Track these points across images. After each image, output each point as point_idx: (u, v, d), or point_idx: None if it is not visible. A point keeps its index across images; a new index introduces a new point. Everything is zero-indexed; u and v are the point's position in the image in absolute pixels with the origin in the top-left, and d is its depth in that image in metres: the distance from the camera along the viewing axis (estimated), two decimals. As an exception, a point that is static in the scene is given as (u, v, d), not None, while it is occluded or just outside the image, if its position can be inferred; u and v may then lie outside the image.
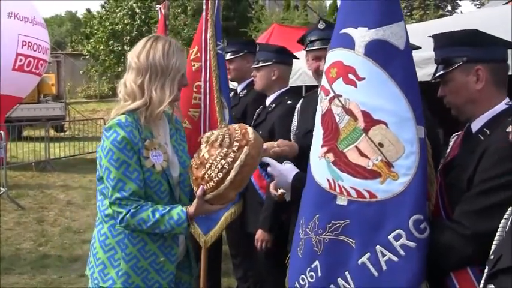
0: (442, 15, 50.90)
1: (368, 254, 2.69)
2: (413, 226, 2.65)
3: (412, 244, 2.64)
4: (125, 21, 34.41)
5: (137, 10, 34.28)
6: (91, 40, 36.30)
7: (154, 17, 31.23)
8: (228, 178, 3.07)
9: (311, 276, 2.88)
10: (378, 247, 2.67)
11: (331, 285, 2.79)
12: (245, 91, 5.84)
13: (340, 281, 2.76)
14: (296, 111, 4.75)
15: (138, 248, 3.32)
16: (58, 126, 22.66)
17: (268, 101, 5.27)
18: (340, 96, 2.81)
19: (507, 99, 2.83)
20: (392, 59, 2.72)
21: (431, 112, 3.62)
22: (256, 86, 5.28)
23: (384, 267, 2.66)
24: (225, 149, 3.11)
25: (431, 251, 2.68)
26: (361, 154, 2.72)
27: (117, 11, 35.13)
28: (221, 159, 3.10)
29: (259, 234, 4.89)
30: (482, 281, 2.15)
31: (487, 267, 2.17)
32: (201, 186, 3.16)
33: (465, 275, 2.64)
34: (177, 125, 3.66)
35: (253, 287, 5.82)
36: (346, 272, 2.74)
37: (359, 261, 2.71)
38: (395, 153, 2.69)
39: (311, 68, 4.48)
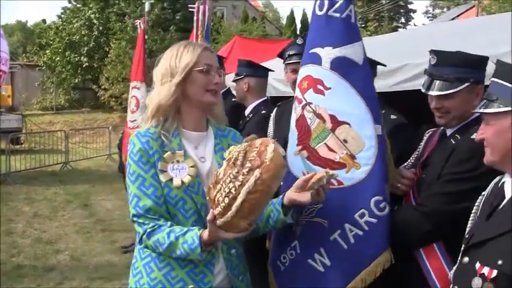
0: (396, 27, 51.97)
1: (339, 231, 3.22)
2: (374, 205, 3.20)
3: (373, 220, 3.19)
4: (82, 32, 34.16)
5: (95, 21, 34.05)
6: (47, 51, 35.93)
7: (113, 28, 31.14)
8: (234, 205, 2.66)
9: (291, 254, 3.40)
10: (346, 225, 3.21)
11: (309, 260, 3.29)
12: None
13: (316, 256, 3.28)
14: (271, 119, 5.12)
15: (163, 273, 3.03)
16: (14, 138, 22.50)
17: (246, 111, 5.67)
18: (311, 103, 3.38)
19: None
20: (353, 71, 3.27)
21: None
22: (237, 98, 5.61)
23: (352, 241, 3.20)
24: (236, 170, 2.70)
25: (397, 228, 3.22)
26: (330, 149, 3.27)
27: (74, 21, 34.86)
28: (230, 181, 2.69)
29: None
30: (460, 255, 2.61)
31: (463, 244, 2.63)
32: (211, 209, 2.80)
33: (432, 251, 3.21)
34: (232, 141, 3.30)
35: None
36: (321, 248, 3.27)
37: (331, 238, 3.24)
38: (358, 147, 3.25)
39: (289, 79, 4.91)
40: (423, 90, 3.37)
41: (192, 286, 3.02)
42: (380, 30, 43.69)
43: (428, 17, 65.76)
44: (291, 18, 37.61)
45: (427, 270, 3.21)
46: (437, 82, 3.29)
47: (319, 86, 3.34)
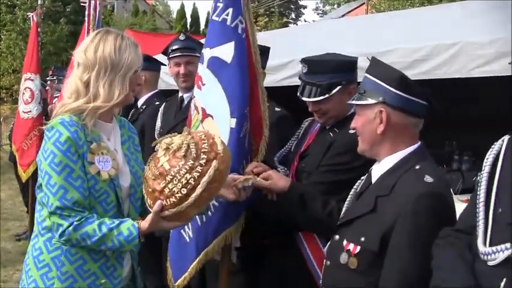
0: (286, 23, 52.88)
1: None
2: None
3: (216, 204, 3.52)
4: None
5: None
6: None
7: (3, 20, 30.33)
8: (193, 195, 2.75)
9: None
10: None
11: (182, 231, 3.70)
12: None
13: (186, 227, 3.66)
14: (159, 112, 5.38)
15: (75, 267, 2.94)
16: None
17: (139, 103, 5.83)
18: (194, 97, 3.76)
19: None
20: (222, 69, 3.56)
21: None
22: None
23: (204, 219, 3.58)
24: (191, 161, 2.76)
25: (283, 211, 3.45)
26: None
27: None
28: (186, 172, 2.75)
29: None
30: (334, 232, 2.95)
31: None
32: (159, 200, 2.80)
33: (310, 234, 3.51)
34: (130, 132, 3.33)
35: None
36: (189, 223, 3.53)
37: None
38: None
39: (173, 72, 5.19)
40: (299, 95, 3.59)
41: (104, 280, 3.00)
42: (270, 26, 44.43)
43: (318, 14, 67.14)
44: (182, 12, 37.58)
45: (306, 252, 3.51)
46: (311, 88, 3.52)
47: (199, 82, 3.68)
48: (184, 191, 2.74)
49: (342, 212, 3.03)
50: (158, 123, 5.30)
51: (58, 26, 30.41)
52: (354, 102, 2.91)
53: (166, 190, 2.77)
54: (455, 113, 6.47)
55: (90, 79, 2.97)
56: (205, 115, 3.62)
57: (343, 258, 2.74)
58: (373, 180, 2.86)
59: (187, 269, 3.67)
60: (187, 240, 3.69)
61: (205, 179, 2.74)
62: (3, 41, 30.08)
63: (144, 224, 2.86)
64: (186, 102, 5.11)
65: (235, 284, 4.05)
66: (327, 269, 2.95)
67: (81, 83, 2.99)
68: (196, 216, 3.47)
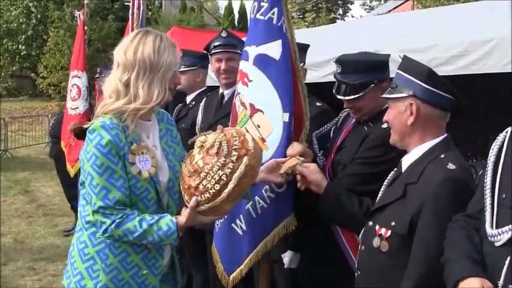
0: (333, 19, 52.72)
1: (251, 202, 3.77)
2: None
3: (272, 195, 3.77)
4: (20, 20, 33.70)
5: (33, 9, 33.59)
6: (-17, 38, 35.28)
7: (51, 17, 30.72)
8: (226, 190, 2.91)
9: (219, 221, 3.94)
10: (256, 197, 3.75)
11: (232, 224, 3.89)
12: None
13: (237, 221, 3.85)
14: (200, 108, 5.58)
15: (119, 259, 3.09)
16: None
17: (188, 98, 6.07)
18: (240, 93, 3.94)
19: None
20: (270, 66, 3.79)
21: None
22: (181, 87, 5.96)
23: (259, 211, 3.78)
24: (223, 159, 2.92)
25: (322, 212, 3.66)
26: (248, 132, 3.50)
27: (11, 9, 34.37)
28: (218, 169, 2.91)
29: None
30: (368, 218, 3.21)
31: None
32: (195, 196, 2.97)
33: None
34: (168, 124, 3.43)
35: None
36: (240, 215, 3.83)
37: (246, 207, 3.80)
38: (267, 132, 3.79)
39: (214, 68, 5.37)
40: (334, 93, 3.80)
41: (146, 271, 3.15)
42: (318, 22, 44.36)
43: (365, 9, 66.89)
44: (229, 8, 37.65)
45: (341, 239, 3.74)
46: (345, 87, 3.72)
47: (245, 79, 3.89)
48: (217, 187, 2.91)
49: (377, 200, 3.26)
50: (199, 119, 5.49)
51: (106, 23, 30.53)
52: (386, 96, 3.16)
53: (201, 186, 2.94)
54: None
55: (130, 80, 3.06)
56: (255, 110, 3.83)
57: (376, 242, 3.00)
58: (403, 169, 3.11)
59: (243, 262, 3.86)
60: (241, 233, 3.86)
61: (236, 174, 2.91)
62: (51, 38, 30.04)
63: (182, 219, 3.02)
64: (226, 98, 5.26)
65: (279, 271, 4.42)
66: (362, 253, 3.20)
67: (121, 84, 3.08)
68: (250, 209, 3.76)
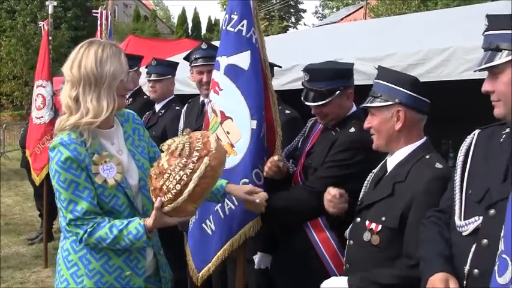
0: (286, 27, 53.13)
1: (220, 204, 3.94)
2: None
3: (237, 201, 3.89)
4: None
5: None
6: None
7: (3, 25, 30.37)
8: (186, 190, 2.95)
9: (193, 218, 4.15)
10: (226, 199, 3.84)
11: (203, 224, 4.11)
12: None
13: (207, 221, 4.07)
14: (182, 114, 5.73)
15: (101, 263, 3.17)
16: None
17: (157, 107, 6.21)
18: (211, 101, 4.16)
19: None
20: (239, 76, 3.98)
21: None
22: (154, 96, 6.18)
23: (227, 212, 3.97)
24: (184, 159, 2.98)
25: (290, 203, 3.89)
26: (218, 139, 3.56)
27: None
28: (180, 170, 2.96)
29: None
30: (354, 217, 3.40)
31: (356, 209, 3.41)
32: (159, 197, 3.01)
33: (318, 223, 3.89)
34: (134, 124, 3.47)
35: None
36: (210, 216, 4.05)
37: (215, 208, 4.00)
38: (235, 138, 3.99)
39: (195, 79, 5.46)
40: (303, 100, 3.97)
41: (129, 272, 3.22)
42: (270, 30, 44.73)
43: (318, 17, 67.45)
44: (183, 17, 37.77)
45: (314, 239, 3.90)
46: (313, 94, 3.90)
47: (216, 88, 4.09)
48: (178, 187, 2.94)
49: (360, 198, 3.46)
50: (181, 125, 5.63)
51: (59, 32, 30.45)
52: (369, 105, 3.34)
53: (164, 187, 2.98)
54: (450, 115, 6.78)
55: (79, 95, 3.09)
56: (225, 117, 4.02)
57: (366, 236, 3.20)
58: (389, 169, 3.32)
59: (212, 260, 4.04)
60: (210, 233, 4.05)
61: (196, 174, 2.94)
62: (3, 47, 30.00)
63: (149, 221, 3.06)
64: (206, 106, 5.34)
65: (251, 271, 4.52)
66: (350, 247, 3.42)
67: (71, 100, 3.10)
68: (219, 210, 3.94)
